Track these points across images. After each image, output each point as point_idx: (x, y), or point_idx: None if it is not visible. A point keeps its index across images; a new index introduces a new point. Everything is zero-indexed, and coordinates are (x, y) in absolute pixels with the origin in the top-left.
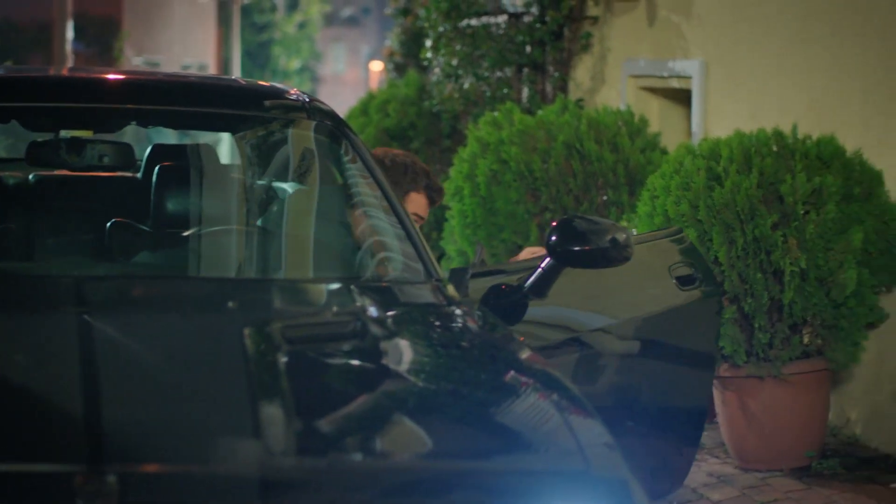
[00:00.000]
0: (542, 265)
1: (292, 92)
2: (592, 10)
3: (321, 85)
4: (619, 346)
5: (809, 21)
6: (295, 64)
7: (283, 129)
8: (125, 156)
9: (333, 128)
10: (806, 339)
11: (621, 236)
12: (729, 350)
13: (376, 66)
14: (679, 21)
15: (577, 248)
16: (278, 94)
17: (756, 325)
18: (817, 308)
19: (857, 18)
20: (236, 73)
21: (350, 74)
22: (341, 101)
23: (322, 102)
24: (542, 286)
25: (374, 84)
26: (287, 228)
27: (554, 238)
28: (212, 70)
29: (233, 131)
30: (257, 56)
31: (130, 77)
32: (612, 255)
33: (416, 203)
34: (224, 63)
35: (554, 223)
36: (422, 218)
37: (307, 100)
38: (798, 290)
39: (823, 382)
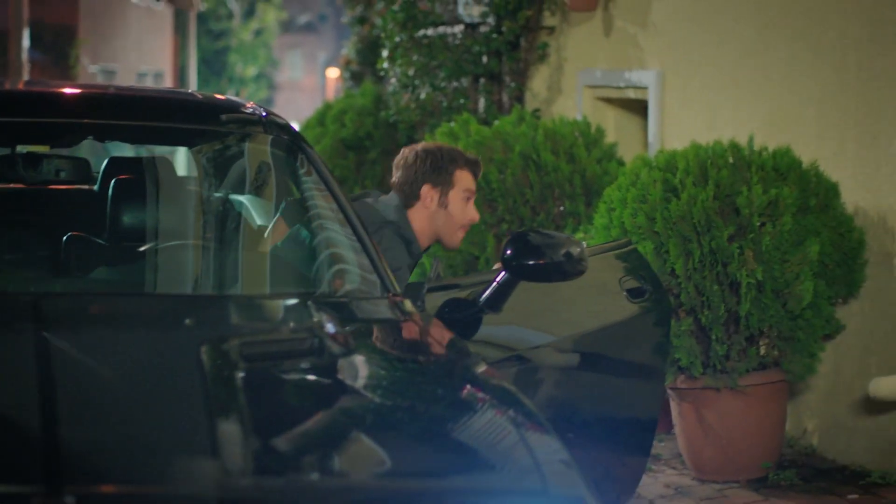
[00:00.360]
0: (498, 279)
1: (249, 105)
2: (549, 21)
3: (278, 92)
4: (561, 360)
5: (765, 33)
6: (251, 71)
7: (239, 143)
8: (81, 170)
9: (290, 141)
10: (762, 351)
11: (576, 250)
12: (685, 362)
13: (333, 72)
14: (635, 32)
15: (531, 262)
16: (235, 107)
17: (713, 337)
18: (774, 320)
19: (812, 30)
20: (192, 80)
21: (307, 81)
22: (298, 107)
23: (278, 116)
24: (497, 300)
25: (331, 91)
26: (243, 243)
27: (509, 252)
28: (168, 77)
29: (190, 145)
30: (214, 63)
31: (87, 91)
32: (567, 269)
33: (464, 179)
34: (180, 70)
35: (509, 237)
36: (474, 192)
37: (264, 114)
38: (754, 302)
39: (780, 394)
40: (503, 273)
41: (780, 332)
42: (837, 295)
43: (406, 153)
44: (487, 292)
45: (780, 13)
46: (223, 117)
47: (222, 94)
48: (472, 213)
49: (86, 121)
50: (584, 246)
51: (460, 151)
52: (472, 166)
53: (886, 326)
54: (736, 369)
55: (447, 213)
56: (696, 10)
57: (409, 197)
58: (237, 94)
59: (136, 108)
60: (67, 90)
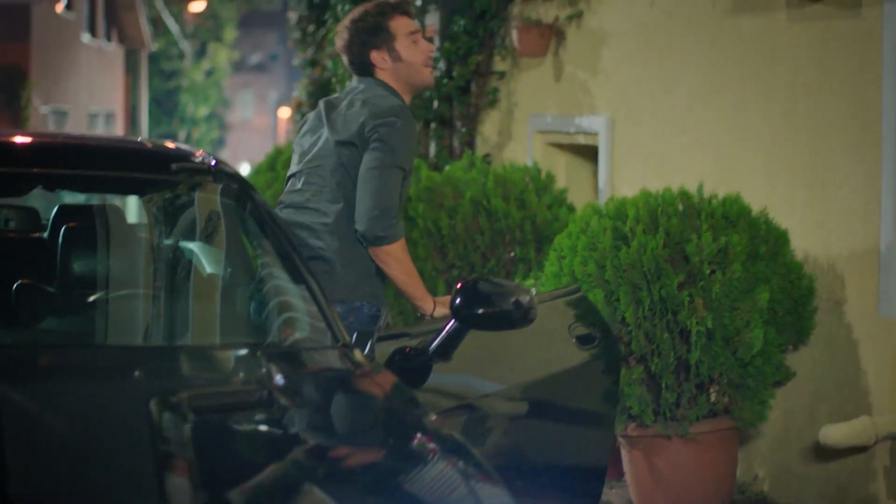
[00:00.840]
0: (447, 327)
1: (198, 154)
2: (499, 66)
3: (230, 132)
4: (511, 408)
5: (714, 79)
6: (203, 111)
7: (189, 191)
8: (30, 220)
9: (239, 190)
10: (713, 398)
11: (525, 298)
12: (636, 410)
13: (285, 112)
14: (585, 77)
15: (481, 311)
16: (184, 156)
17: (663, 385)
18: (724, 367)
19: (762, 77)
20: (144, 120)
21: (258, 121)
22: (249, 147)
23: (227, 165)
24: (447, 348)
25: (283, 131)
26: (193, 292)
27: (458, 301)
28: (119, 117)
29: (140, 194)
30: (165, 103)
31: (37, 141)
32: (516, 318)
33: (401, 24)
34: (132, 111)
35: (458, 286)
36: (417, 29)
37: (213, 162)
38: (704, 350)
39: (731, 441)
40: (453, 322)
41: (730, 379)
42: (787, 342)
43: (339, 34)
44: (437, 341)
45: (730, 60)
46: (173, 166)
47: (174, 134)
48: (425, 47)
49: (35, 170)
50: (533, 294)
51: (381, 2)
52: (401, 7)
53: (836, 373)
54: (686, 417)
55: (405, 62)
56: (645, 56)
57: (367, 70)
58: (189, 135)
59: (86, 158)
60: (16, 139)
